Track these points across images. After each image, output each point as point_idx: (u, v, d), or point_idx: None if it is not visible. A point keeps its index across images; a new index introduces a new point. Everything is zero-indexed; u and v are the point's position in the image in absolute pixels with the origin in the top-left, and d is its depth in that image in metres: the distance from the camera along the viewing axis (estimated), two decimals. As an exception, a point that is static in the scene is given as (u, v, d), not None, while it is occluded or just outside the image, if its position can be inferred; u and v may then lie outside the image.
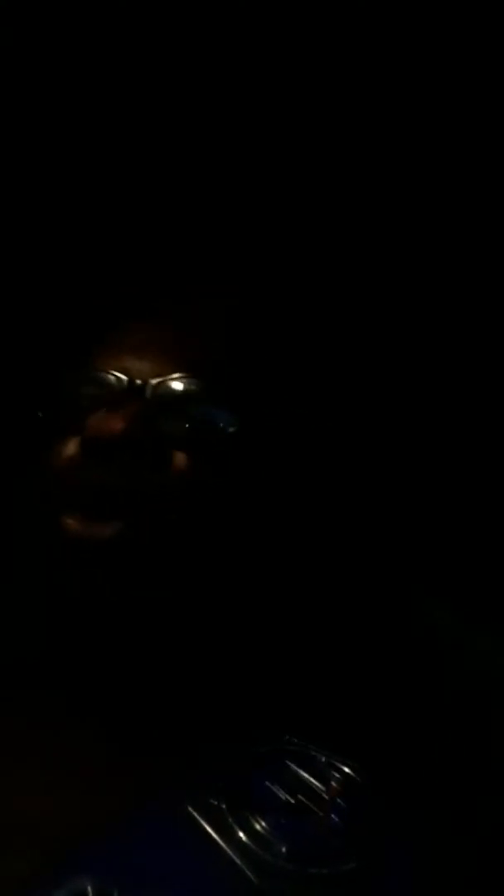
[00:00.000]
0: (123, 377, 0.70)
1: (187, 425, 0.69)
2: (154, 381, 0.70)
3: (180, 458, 0.68)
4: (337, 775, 0.65)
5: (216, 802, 0.62)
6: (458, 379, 0.86)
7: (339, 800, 0.63)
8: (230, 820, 0.61)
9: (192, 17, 0.84)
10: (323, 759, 0.66)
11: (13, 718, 0.67)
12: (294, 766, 0.65)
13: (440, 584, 0.78)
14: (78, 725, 0.66)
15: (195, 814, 0.62)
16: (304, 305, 0.80)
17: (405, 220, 0.85)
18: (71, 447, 0.69)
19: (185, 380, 0.70)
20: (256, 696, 0.68)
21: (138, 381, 0.70)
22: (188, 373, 0.70)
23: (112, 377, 0.71)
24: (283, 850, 0.60)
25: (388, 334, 0.84)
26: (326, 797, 0.63)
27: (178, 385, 0.70)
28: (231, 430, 0.70)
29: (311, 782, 0.64)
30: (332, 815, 0.62)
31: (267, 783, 0.64)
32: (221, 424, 0.70)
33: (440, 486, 0.84)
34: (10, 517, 0.79)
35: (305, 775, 0.65)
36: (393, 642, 0.74)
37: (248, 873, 0.59)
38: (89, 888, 0.56)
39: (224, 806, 0.62)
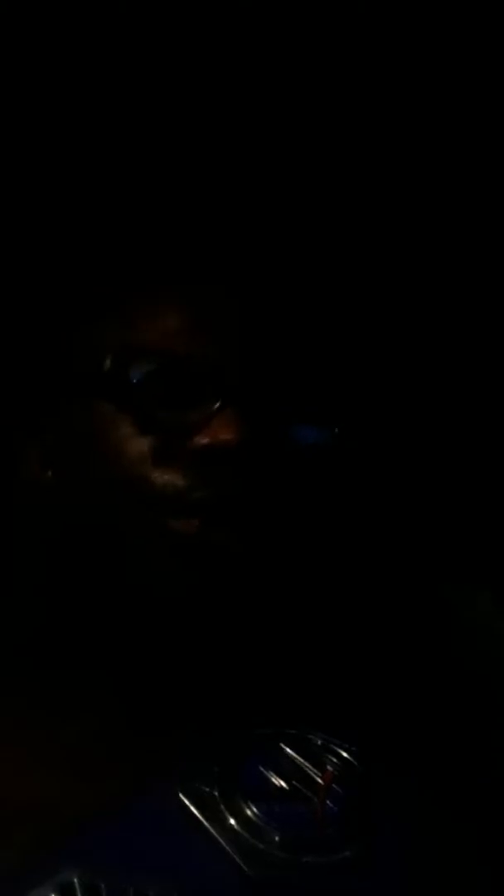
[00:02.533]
0: (206, 368, 0.65)
1: (279, 427, 0.67)
2: (238, 373, 0.65)
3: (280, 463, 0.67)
4: (333, 759, 0.63)
5: (208, 789, 0.61)
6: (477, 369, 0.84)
7: (334, 785, 0.61)
8: (222, 807, 0.60)
9: (192, 13, 0.81)
10: (319, 743, 0.64)
11: (2, 708, 0.65)
12: (289, 750, 0.64)
13: (444, 565, 0.76)
14: (69, 714, 0.65)
15: (186, 801, 0.60)
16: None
17: (408, 216, 0.82)
18: (164, 448, 0.65)
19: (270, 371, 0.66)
20: (253, 679, 0.67)
21: (225, 375, 0.64)
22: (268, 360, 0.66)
23: (192, 367, 0.65)
24: (276, 838, 0.59)
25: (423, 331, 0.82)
26: (322, 782, 0.61)
27: (265, 380, 0.66)
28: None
29: (306, 767, 0.63)
30: (327, 802, 0.61)
31: (261, 768, 0.62)
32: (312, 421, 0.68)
33: (464, 474, 0.82)
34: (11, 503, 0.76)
35: (301, 760, 0.63)
36: (392, 627, 0.72)
37: (240, 862, 0.58)
38: (76, 880, 0.55)
39: (216, 793, 0.61)
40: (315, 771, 0.62)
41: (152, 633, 0.66)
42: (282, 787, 0.62)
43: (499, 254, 0.82)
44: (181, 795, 0.60)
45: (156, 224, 0.77)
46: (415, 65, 0.80)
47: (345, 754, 0.64)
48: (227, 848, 0.58)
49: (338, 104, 0.82)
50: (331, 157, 0.83)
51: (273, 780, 0.62)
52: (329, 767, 0.62)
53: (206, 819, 0.59)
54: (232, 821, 0.59)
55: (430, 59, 0.79)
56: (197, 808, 0.60)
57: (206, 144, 0.83)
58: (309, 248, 0.80)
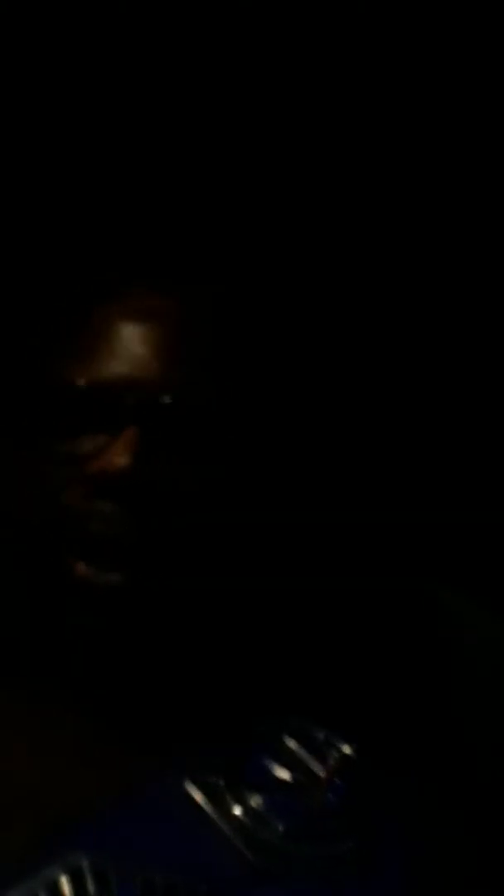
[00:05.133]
0: (114, 396, 0.62)
1: (190, 450, 0.63)
2: (147, 400, 0.62)
3: (188, 489, 0.63)
4: (335, 754, 0.65)
5: (213, 779, 0.62)
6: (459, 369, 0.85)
7: (336, 779, 0.63)
8: (227, 797, 0.61)
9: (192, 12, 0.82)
10: (322, 737, 0.66)
11: (12, 694, 0.67)
12: (293, 744, 0.65)
13: (445, 569, 0.77)
14: (76, 702, 0.66)
15: (192, 790, 0.62)
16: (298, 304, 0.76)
17: (394, 219, 0.84)
18: (72, 483, 0.62)
19: (183, 394, 0.62)
20: (257, 673, 0.68)
21: (132, 401, 0.62)
22: (184, 382, 0.63)
23: (101, 395, 0.63)
24: (280, 828, 0.60)
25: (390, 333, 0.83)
26: (324, 776, 0.63)
27: (175, 402, 0.62)
28: (234, 444, 0.64)
29: (309, 760, 0.64)
30: (329, 795, 0.62)
31: (265, 761, 0.64)
32: (222, 441, 0.64)
33: (453, 476, 0.83)
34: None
35: (304, 753, 0.65)
36: (396, 624, 0.74)
37: (244, 851, 0.59)
38: (84, 863, 0.57)
39: (221, 783, 0.62)
40: (317, 765, 0.64)
41: (154, 624, 0.67)
42: (285, 779, 0.63)
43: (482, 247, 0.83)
44: (187, 785, 0.62)
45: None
46: (413, 64, 0.81)
47: (346, 750, 0.65)
48: (232, 837, 0.60)
49: (329, 108, 0.83)
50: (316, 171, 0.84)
51: (277, 772, 0.63)
52: (331, 761, 0.64)
53: (212, 808, 0.61)
54: (236, 811, 0.61)
55: (430, 59, 0.81)
56: (203, 797, 0.61)
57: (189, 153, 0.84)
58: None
